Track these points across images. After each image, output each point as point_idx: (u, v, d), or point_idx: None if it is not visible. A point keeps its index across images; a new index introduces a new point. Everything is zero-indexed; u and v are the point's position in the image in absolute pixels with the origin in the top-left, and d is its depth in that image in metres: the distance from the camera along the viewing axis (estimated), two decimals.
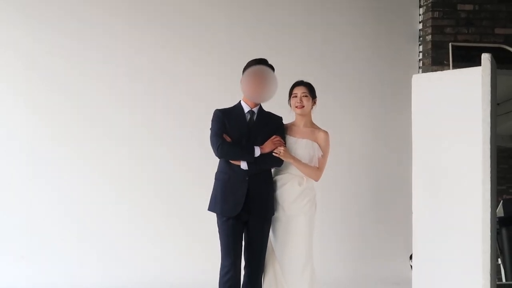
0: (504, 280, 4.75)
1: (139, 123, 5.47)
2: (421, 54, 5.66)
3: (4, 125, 5.36)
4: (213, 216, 4.00)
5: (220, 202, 3.92)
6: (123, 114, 5.45)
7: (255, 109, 3.99)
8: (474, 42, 5.46)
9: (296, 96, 4.08)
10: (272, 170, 4.08)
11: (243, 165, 3.88)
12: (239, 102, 4.02)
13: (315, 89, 4.14)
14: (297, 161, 3.98)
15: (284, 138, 4.02)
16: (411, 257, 4.28)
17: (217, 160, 3.98)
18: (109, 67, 5.43)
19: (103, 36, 5.42)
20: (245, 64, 4.00)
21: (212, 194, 4.00)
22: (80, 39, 5.40)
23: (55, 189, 5.39)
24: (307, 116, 4.11)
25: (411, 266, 4.16)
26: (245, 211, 3.87)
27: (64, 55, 5.40)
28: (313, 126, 4.13)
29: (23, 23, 5.34)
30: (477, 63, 3.39)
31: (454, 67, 5.25)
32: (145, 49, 5.47)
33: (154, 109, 5.47)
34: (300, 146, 4.03)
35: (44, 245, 5.35)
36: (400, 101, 5.51)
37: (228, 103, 4.06)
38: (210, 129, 3.96)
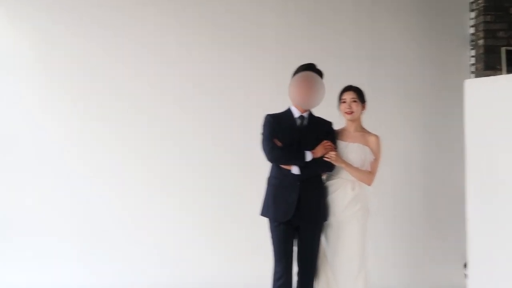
0: None
1: (192, 124, 5.46)
2: (473, 58, 5.57)
3: (61, 125, 5.42)
4: (266, 221, 4.01)
5: (272, 207, 3.93)
6: (175, 114, 5.46)
7: (305, 114, 3.99)
8: None
9: (345, 102, 4.08)
10: (324, 175, 4.08)
11: (294, 170, 3.88)
12: (290, 107, 4.03)
13: (365, 93, 4.13)
14: (349, 165, 3.97)
15: (334, 143, 4.01)
16: (465, 266, 4.20)
17: (269, 165, 4.00)
18: (164, 67, 5.44)
19: (156, 36, 5.44)
20: (295, 67, 4.01)
21: (263, 199, 4.02)
22: (132, 39, 5.44)
23: (111, 189, 5.43)
24: (357, 120, 4.10)
25: (466, 275, 4.08)
26: (297, 216, 3.87)
27: (117, 56, 5.43)
28: (363, 130, 4.12)
29: (73, 24, 5.40)
30: None
31: (507, 71, 5.16)
32: (198, 49, 5.46)
33: (206, 110, 5.45)
34: (351, 150, 4.01)
35: (98, 245, 5.40)
36: (451, 105, 5.43)
37: (280, 106, 4.07)
38: (261, 134, 3.98)
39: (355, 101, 4.06)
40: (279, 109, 4.07)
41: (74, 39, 5.41)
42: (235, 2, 5.52)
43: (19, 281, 5.27)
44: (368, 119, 4.20)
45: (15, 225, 5.40)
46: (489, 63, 5.33)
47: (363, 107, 4.12)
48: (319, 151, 3.93)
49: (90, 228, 5.42)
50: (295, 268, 3.97)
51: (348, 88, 4.11)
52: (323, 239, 4.02)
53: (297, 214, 3.87)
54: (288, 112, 4.02)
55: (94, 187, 5.43)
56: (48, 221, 5.41)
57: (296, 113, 3.99)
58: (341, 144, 4.04)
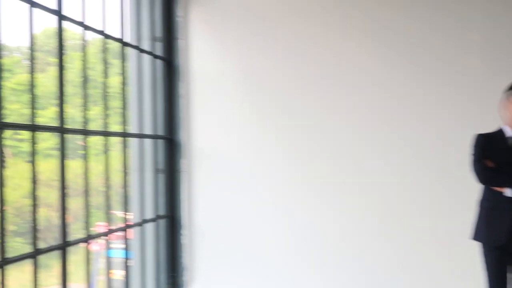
0: None
1: (405, 152, 5.26)
2: None
3: (269, 150, 5.53)
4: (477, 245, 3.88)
5: (484, 231, 3.79)
6: (396, 148, 5.28)
7: None
8: None
9: None
10: None
11: (508, 192, 3.71)
12: (501, 127, 3.87)
13: None
14: None
15: None
16: None
17: (480, 186, 3.86)
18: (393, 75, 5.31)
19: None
20: (503, 85, 3.88)
21: (475, 223, 3.89)
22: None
23: (328, 216, 5.39)
24: None
25: None
26: (511, 241, 3.68)
27: (323, 86, 5.41)
28: None
29: (275, 53, 5.48)
30: None
31: None
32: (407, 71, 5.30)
33: (423, 139, 5.23)
34: None
35: (313, 266, 5.41)
36: None
37: (488, 125, 3.93)
38: (472, 154, 3.86)
39: None
40: (487, 128, 3.92)
41: (277, 66, 5.53)
42: (440, 19, 5.32)
43: None
44: None
45: (232, 243, 5.59)
46: None
47: None
48: None
49: (305, 250, 5.44)
50: None
51: None
52: None
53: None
54: (500, 131, 3.86)
55: (310, 212, 5.44)
56: (262, 241, 5.55)
57: (510, 133, 3.82)
58: None
